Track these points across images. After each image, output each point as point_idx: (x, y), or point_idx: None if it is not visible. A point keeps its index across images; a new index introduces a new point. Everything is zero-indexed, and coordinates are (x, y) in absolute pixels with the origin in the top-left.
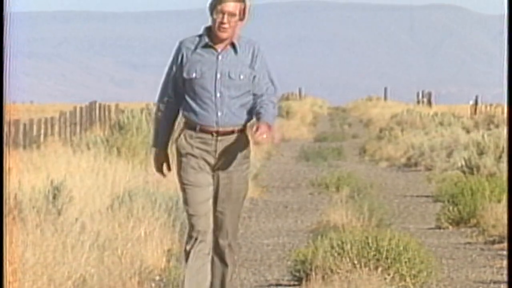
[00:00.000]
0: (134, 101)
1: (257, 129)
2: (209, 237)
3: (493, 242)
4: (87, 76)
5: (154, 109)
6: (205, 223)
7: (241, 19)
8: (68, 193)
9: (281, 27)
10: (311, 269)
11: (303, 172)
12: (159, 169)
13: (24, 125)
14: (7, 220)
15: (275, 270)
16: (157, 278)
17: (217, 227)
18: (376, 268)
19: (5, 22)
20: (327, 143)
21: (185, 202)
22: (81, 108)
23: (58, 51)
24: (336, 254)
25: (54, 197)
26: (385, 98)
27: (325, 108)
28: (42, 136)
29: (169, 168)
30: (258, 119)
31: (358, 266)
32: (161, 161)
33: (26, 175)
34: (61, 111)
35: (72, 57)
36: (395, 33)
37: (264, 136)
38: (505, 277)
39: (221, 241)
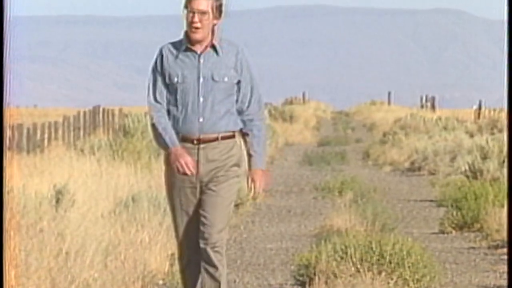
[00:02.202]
0: (137, 105)
1: (252, 180)
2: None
3: (496, 247)
4: (90, 80)
5: (149, 115)
6: (195, 244)
7: (215, 18)
8: (72, 197)
9: (285, 31)
10: (314, 274)
11: (306, 176)
12: (187, 165)
13: (28, 129)
14: (10, 224)
15: (279, 275)
16: (161, 282)
17: (201, 232)
18: (380, 272)
19: (8, 26)
20: (331, 147)
21: (174, 221)
22: (84, 112)
23: (62, 55)
24: (339, 259)
25: (57, 201)
26: (389, 102)
27: (328, 112)
28: (45, 141)
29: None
30: (250, 163)
31: (361, 270)
32: (183, 155)
33: (30, 179)
34: (64, 115)
35: (75, 61)
36: (399, 38)
37: (261, 190)
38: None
39: (203, 244)
